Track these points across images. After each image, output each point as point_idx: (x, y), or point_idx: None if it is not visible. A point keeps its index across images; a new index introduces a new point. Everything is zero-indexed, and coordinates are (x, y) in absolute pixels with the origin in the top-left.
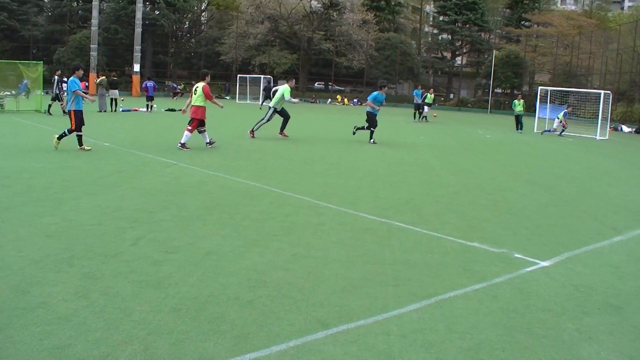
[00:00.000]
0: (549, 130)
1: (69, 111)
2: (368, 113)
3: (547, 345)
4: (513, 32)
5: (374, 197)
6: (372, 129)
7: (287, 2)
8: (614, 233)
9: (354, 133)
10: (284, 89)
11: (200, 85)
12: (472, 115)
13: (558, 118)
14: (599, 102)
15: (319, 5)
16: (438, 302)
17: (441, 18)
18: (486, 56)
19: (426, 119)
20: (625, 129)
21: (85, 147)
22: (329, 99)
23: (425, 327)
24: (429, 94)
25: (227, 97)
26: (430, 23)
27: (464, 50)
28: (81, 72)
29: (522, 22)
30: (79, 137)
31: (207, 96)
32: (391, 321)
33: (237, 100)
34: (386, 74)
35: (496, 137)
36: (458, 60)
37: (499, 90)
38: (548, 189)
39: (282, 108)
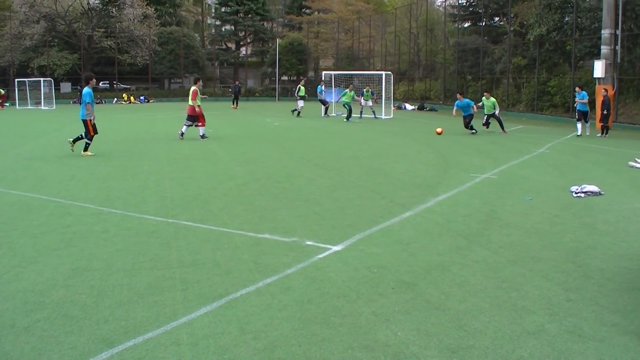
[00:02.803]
0: (340, 114)
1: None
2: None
3: (344, 333)
4: (295, 20)
5: (160, 196)
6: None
7: (63, 0)
8: (403, 209)
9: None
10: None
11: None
12: (261, 104)
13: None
14: (382, 82)
15: (97, 1)
16: (229, 302)
17: (223, 9)
18: (270, 45)
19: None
20: (408, 106)
21: None
22: (115, 98)
23: (217, 330)
24: (301, 86)
25: (7, 104)
26: (213, 15)
27: (248, 40)
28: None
29: (303, 10)
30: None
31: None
32: (181, 329)
33: (17, 107)
34: (171, 69)
35: (284, 124)
36: (243, 50)
37: (285, 78)
38: (336, 171)
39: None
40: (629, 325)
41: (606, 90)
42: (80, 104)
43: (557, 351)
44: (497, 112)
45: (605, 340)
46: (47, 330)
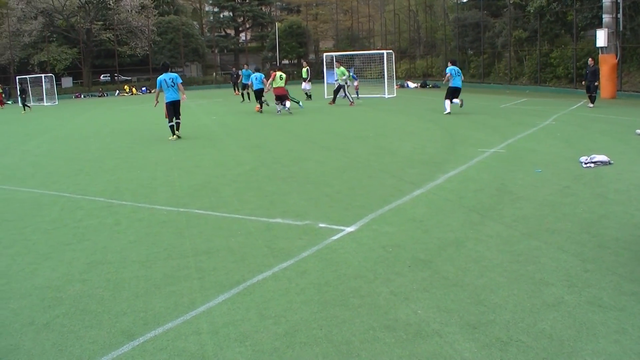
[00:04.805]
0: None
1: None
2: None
3: (364, 314)
4: (293, 3)
5: (169, 186)
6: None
7: None
8: (413, 187)
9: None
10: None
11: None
12: None
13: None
14: (383, 62)
15: None
16: (247, 288)
17: None
18: (269, 29)
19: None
20: (411, 84)
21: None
22: (117, 91)
23: (237, 318)
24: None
25: (9, 102)
26: (210, 2)
27: (247, 26)
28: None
29: None
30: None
31: None
32: (201, 318)
33: (19, 104)
34: (172, 58)
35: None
36: (242, 36)
37: (286, 62)
38: (343, 152)
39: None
40: None
41: (593, 60)
42: (169, 87)
43: (578, 322)
44: (342, 83)
45: (626, 309)
46: (66, 325)
